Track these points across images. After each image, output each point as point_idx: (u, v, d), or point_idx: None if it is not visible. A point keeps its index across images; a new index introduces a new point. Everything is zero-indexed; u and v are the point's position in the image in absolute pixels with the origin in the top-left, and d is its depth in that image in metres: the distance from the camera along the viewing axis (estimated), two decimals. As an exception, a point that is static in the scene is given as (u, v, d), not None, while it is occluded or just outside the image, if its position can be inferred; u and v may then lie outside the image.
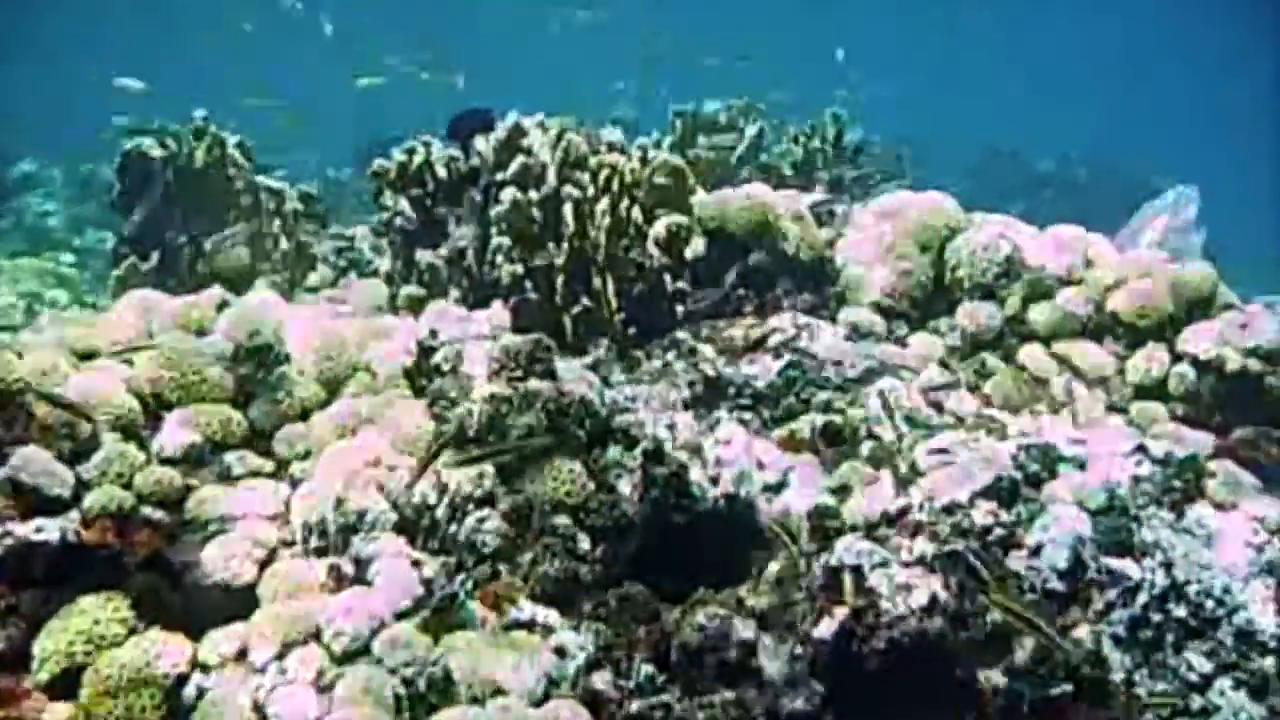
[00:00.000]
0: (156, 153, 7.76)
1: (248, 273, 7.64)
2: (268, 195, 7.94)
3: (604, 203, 6.30)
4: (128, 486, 4.39)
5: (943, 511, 5.03)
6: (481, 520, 4.70)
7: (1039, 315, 6.45)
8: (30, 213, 13.96)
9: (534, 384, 5.08)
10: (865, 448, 5.51)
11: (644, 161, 6.71)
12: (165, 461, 4.59)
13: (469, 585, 4.35)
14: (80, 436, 4.46)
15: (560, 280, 6.30)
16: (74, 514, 4.27)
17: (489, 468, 4.80)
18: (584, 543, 4.76)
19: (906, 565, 4.81)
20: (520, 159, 6.51)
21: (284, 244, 7.90)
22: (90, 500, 4.30)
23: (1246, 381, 5.95)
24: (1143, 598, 4.88)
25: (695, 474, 5.06)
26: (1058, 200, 17.83)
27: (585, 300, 6.30)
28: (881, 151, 10.02)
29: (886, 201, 7.29)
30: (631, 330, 6.33)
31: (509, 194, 6.36)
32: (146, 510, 4.36)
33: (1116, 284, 6.49)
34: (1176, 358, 6.18)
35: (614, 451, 5.04)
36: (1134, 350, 6.30)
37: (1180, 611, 4.87)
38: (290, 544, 4.52)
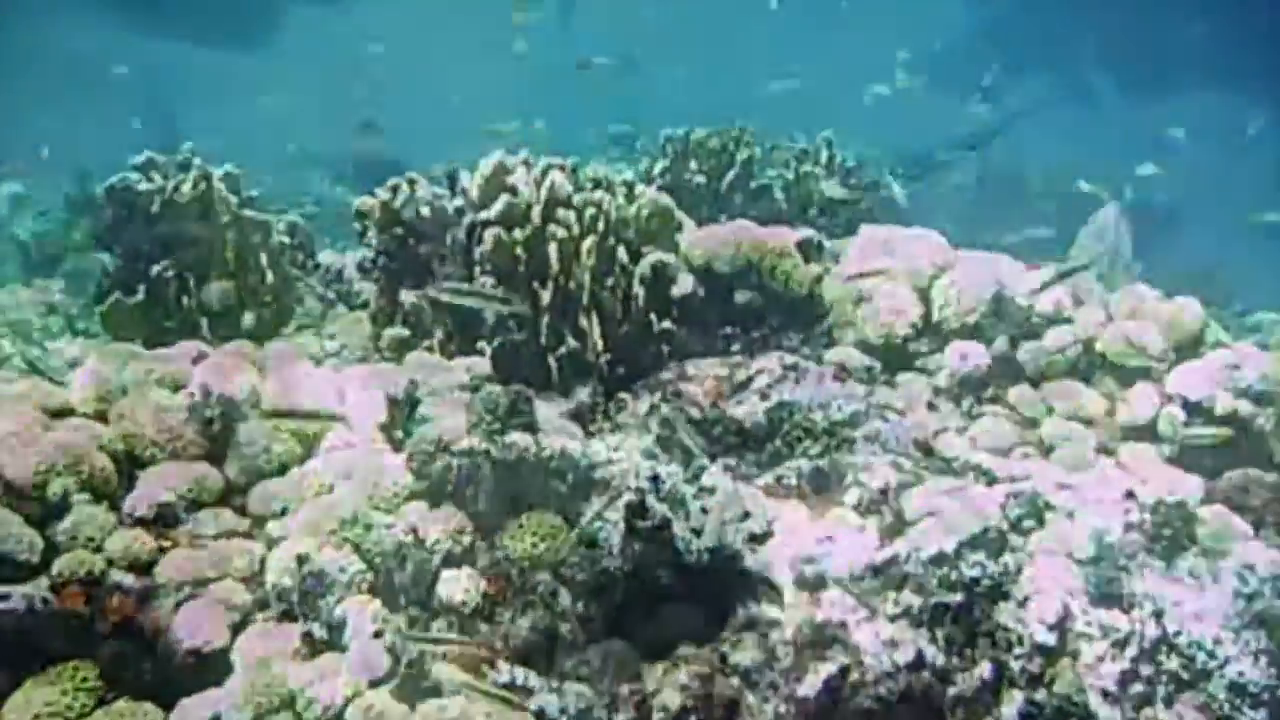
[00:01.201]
0: (143, 186, 7.68)
1: (234, 307, 7.57)
2: (253, 228, 7.87)
3: (589, 241, 6.23)
4: (98, 550, 4.32)
5: (930, 563, 4.95)
6: (459, 578, 4.63)
7: (1027, 355, 6.38)
8: (18, 236, 13.89)
9: (513, 437, 5.02)
10: (852, 495, 5.44)
11: (630, 198, 6.65)
12: (137, 522, 4.52)
13: (442, 649, 4.27)
14: (52, 499, 4.40)
15: (545, 321, 6.24)
16: (43, 580, 4.20)
17: (467, 525, 4.74)
18: (565, 599, 4.69)
19: (893, 619, 4.75)
20: (505, 197, 6.44)
21: (269, 278, 7.82)
22: (59, 565, 4.23)
23: (1238, 424, 5.88)
24: (1132, 650, 4.81)
25: (679, 527, 4.99)
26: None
27: (571, 341, 6.23)
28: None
29: (873, 235, 7.21)
30: (618, 370, 6.27)
31: (492, 233, 6.30)
32: (117, 575, 4.28)
33: (1105, 323, 6.42)
34: (1167, 398, 6.12)
35: (596, 504, 4.97)
36: (1124, 390, 6.24)
37: (1171, 664, 4.80)
38: (265, 606, 4.45)
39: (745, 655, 4.63)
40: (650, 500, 5.02)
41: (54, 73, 30.26)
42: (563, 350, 6.24)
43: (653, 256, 6.48)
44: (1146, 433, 6.09)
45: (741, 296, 6.70)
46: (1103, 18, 19.19)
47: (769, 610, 4.79)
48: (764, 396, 6.03)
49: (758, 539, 5.21)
